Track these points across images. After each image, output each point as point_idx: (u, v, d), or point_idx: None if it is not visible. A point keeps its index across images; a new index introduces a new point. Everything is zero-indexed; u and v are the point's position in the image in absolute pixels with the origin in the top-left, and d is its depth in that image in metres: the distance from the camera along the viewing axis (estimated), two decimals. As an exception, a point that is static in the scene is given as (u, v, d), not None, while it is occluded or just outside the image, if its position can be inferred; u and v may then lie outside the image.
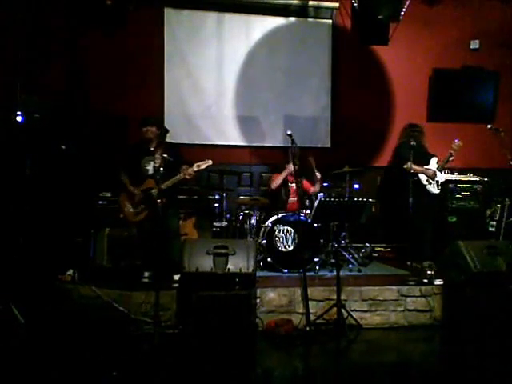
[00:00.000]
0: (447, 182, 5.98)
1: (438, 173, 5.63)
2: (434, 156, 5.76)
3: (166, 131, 5.27)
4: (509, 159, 5.29)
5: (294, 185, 5.72)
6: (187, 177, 4.62)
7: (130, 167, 4.82)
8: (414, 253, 5.17)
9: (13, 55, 5.50)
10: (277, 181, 5.92)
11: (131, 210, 4.76)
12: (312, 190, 5.99)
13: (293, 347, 3.99)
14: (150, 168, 4.69)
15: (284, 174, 5.88)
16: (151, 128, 4.80)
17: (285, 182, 5.95)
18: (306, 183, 6.03)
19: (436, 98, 7.10)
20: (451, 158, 5.55)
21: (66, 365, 3.38)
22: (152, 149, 4.68)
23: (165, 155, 4.43)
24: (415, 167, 5.41)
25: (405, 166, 5.49)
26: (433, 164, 5.69)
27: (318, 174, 5.86)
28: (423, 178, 5.61)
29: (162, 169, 4.52)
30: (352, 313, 4.35)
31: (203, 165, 4.64)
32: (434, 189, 5.63)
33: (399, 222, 5.85)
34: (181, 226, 5.27)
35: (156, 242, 4.30)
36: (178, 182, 4.68)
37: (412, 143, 5.15)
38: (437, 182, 5.62)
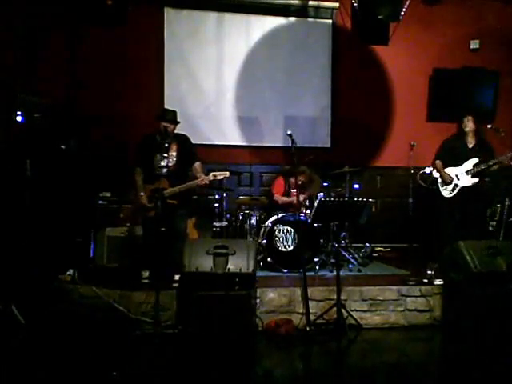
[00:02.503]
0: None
1: (462, 177, 5.38)
2: (475, 157, 5.38)
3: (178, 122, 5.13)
4: (509, 159, 5.28)
5: (294, 191, 5.70)
6: (202, 183, 4.61)
7: (143, 161, 4.72)
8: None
9: (13, 55, 5.50)
10: (281, 200, 5.91)
11: (144, 200, 4.67)
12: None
13: (293, 347, 3.99)
14: (164, 167, 4.58)
15: (289, 199, 5.85)
16: (170, 125, 4.68)
17: (287, 186, 5.97)
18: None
19: (436, 97, 7.10)
20: (492, 164, 5.24)
21: (66, 365, 3.38)
22: (166, 145, 4.55)
23: (178, 155, 4.43)
24: (438, 166, 5.50)
25: (435, 163, 5.54)
26: (467, 166, 5.39)
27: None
28: (439, 178, 5.55)
29: (175, 167, 4.60)
30: (352, 313, 4.34)
31: (220, 175, 4.65)
32: (445, 192, 5.47)
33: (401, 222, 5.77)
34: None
35: (160, 241, 4.28)
36: (192, 187, 4.67)
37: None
38: (455, 185, 5.40)
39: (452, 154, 5.51)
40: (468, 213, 5.38)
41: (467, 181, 5.39)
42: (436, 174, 5.59)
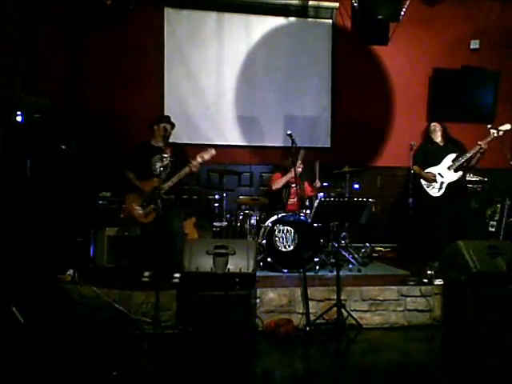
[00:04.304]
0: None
1: (445, 173, 5.45)
2: (452, 153, 5.52)
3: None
4: (509, 159, 5.29)
5: (294, 185, 5.71)
6: (193, 169, 4.69)
7: (137, 166, 4.81)
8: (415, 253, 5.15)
9: (13, 55, 5.50)
10: (278, 183, 5.93)
11: (141, 211, 4.73)
12: (310, 193, 5.99)
13: (293, 347, 3.99)
14: (158, 167, 4.69)
15: (287, 177, 5.88)
16: (169, 125, 4.85)
17: (286, 182, 5.97)
18: (307, 185, 6.03)
19: (436, 97, 7.09)
20: (471, 155, 5.33)
21: (66, 365, 3.38)
22: (162, 148, 4.66)
23: (172, 159, 4.49)
24: (417, 170, 5.46)
25: (411, 169, 5.39)
26: (446, 162, 5.50)
27: (318, 182, 5.85)
28: (423, 180, 5.54)
29: (168, 168, 4.65)
30: (352, 313, 4.35)
31: (206, 155, 4.71)
32: (434, 191, 5.49)
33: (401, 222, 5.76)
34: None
35: (158, 241, 4.29)
36: (184, 176, 4.72)
37: (412, 143, 5.15)
38: (441, 183, 5.44)
39: (427, 156, 5.58)
40: (459, 211, 5.42)
41: (452, 176, 5.46)
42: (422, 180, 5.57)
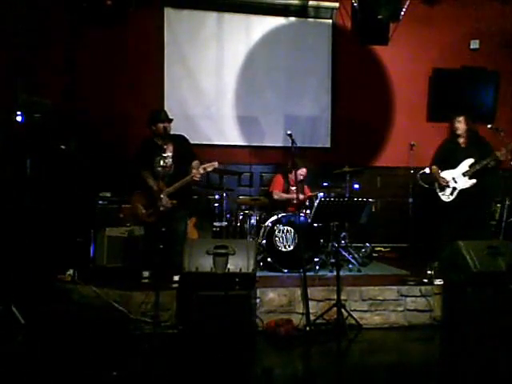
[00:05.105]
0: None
1: (459, 179, 5.30)
2: (470, 157, 5.30)
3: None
4: (509, 159, 5.28)
5: (294, 188, 5.71)
6: (195, 179, 4.65)
7: (146, 165, 4.76)
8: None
9: (13, 55, 5.50)
10: (280, 195, 5.92)
11: (143, 211, 4.74)
12: (309, 194, 6.00)
13: (293, 347, 3.99)
14: (162, 168, 4.59)
15: (289, 196, 5.86)
16: (169, 124, 4.76)
17: (287, 184, 5.97)
18: (305, 188, 6.03)
19: (436, 97, 7.09)
20: (486, 162, 5.15)
21: (66, 365, 3.38)
22: (165, 146, 4.56)
23: (173, 157, 4.47)
24: (434, 171, 5.38)
25: (431, 168, 5.39)
26: (463, 167, 5.32)
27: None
28: (436, 183, 5.43)
29: (172, 168, 4.64)
30: (352, 313, 4.34)
31: (209, 167, 4.68)
32: (444, 197, 5.36)
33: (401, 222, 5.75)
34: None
35: (160, 242, 4.29)
36: (186, 184, 4.69)
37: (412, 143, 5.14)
38: (453, 188, 5.31)
39: (447, 157, 5.43)
40: (469, 216, 5.27)
41: (465, 183, 5.30)
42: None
